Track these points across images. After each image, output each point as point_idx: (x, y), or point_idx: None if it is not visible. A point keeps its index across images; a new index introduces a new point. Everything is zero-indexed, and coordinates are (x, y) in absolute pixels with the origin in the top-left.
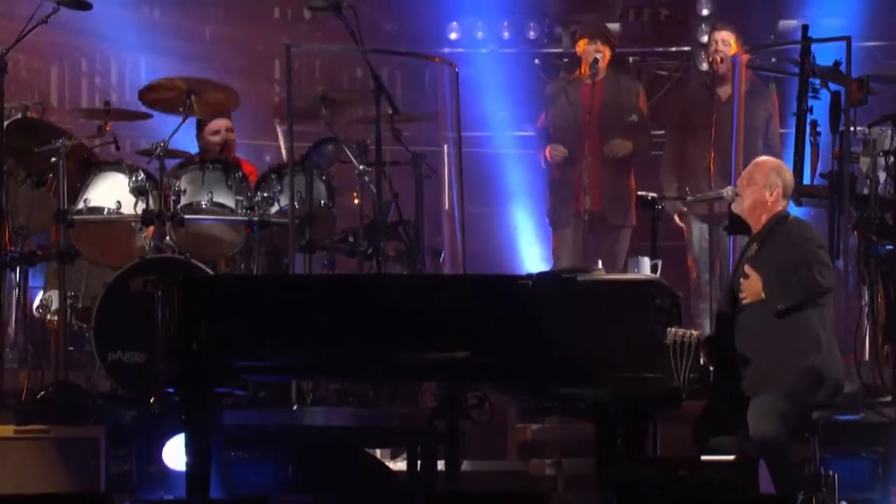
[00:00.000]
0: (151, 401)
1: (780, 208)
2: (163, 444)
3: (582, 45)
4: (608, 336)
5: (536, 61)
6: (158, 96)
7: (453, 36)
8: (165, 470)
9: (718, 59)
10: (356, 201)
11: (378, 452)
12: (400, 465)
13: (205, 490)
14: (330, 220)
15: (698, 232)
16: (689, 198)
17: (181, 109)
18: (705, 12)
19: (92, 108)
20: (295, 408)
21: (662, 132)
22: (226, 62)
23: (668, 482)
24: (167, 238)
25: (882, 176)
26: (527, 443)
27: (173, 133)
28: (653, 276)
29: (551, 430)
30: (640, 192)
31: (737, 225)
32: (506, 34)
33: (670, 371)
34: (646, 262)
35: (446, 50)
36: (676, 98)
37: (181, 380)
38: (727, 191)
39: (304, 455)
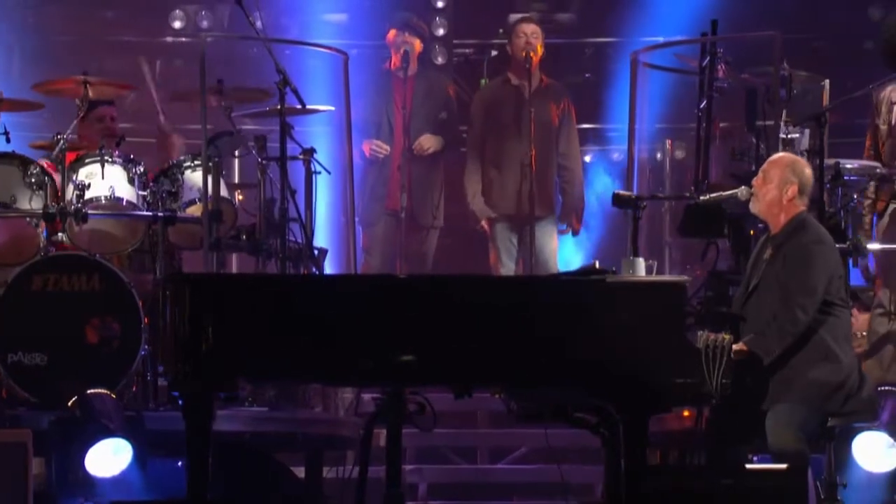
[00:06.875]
0: (70, 404)
1: (799, 209)
2: (85, 450)
3: (391, 36)
4: (638, 339)
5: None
6: (52, 87)
7: (177, 24)
8: (88, 477)
9: (532, 53)
10: (240, 198)
11: None
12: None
13: (204, 497)
14: (232, 215)
15: (504, 235)
16: (702, 197)
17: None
18: (440, 4)
19: None
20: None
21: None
22: None
23: (712, 491)
24: (60, 234)
25: None
26: (378, 448)
27: (74, 124)
28: (682, 277)
29: (408, 437)
30: (617, 191)
31: (691, 226)
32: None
33: (701, 376)
34: (641, 263)
35: (169, 39)
36: (478, 98)
37: (189, 383)
38: (741, 190)
39: (223, 459)
